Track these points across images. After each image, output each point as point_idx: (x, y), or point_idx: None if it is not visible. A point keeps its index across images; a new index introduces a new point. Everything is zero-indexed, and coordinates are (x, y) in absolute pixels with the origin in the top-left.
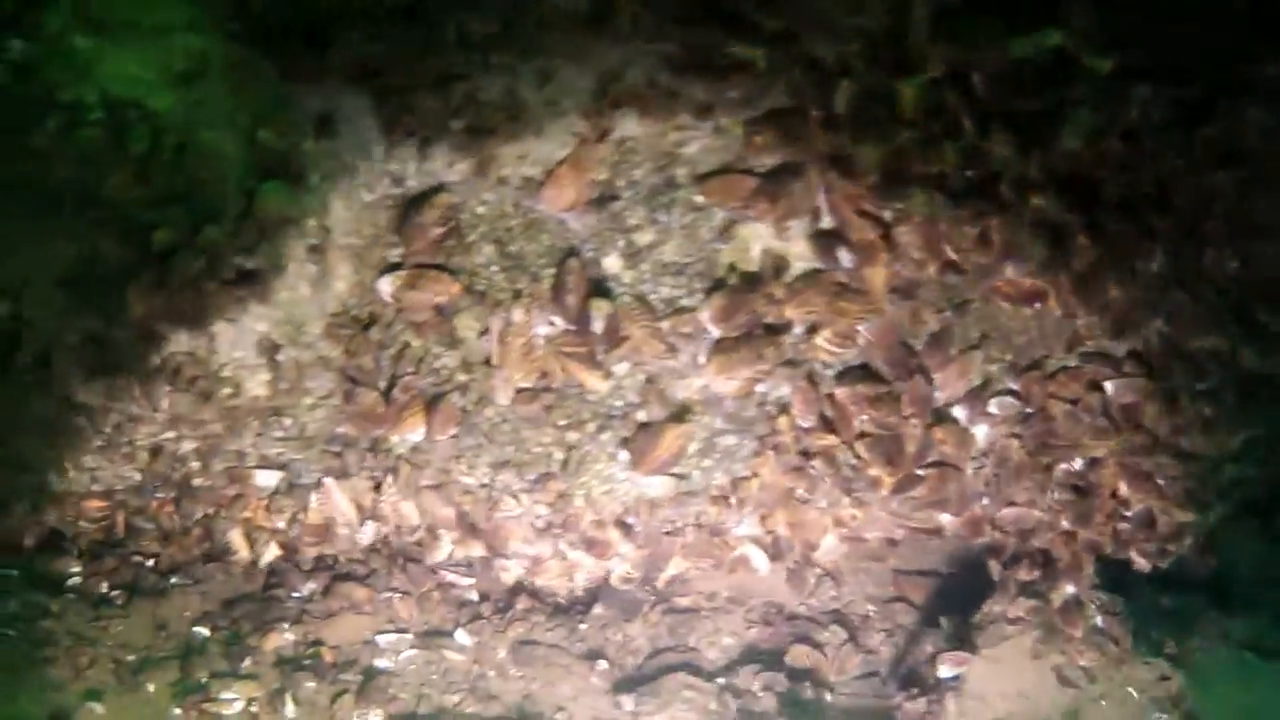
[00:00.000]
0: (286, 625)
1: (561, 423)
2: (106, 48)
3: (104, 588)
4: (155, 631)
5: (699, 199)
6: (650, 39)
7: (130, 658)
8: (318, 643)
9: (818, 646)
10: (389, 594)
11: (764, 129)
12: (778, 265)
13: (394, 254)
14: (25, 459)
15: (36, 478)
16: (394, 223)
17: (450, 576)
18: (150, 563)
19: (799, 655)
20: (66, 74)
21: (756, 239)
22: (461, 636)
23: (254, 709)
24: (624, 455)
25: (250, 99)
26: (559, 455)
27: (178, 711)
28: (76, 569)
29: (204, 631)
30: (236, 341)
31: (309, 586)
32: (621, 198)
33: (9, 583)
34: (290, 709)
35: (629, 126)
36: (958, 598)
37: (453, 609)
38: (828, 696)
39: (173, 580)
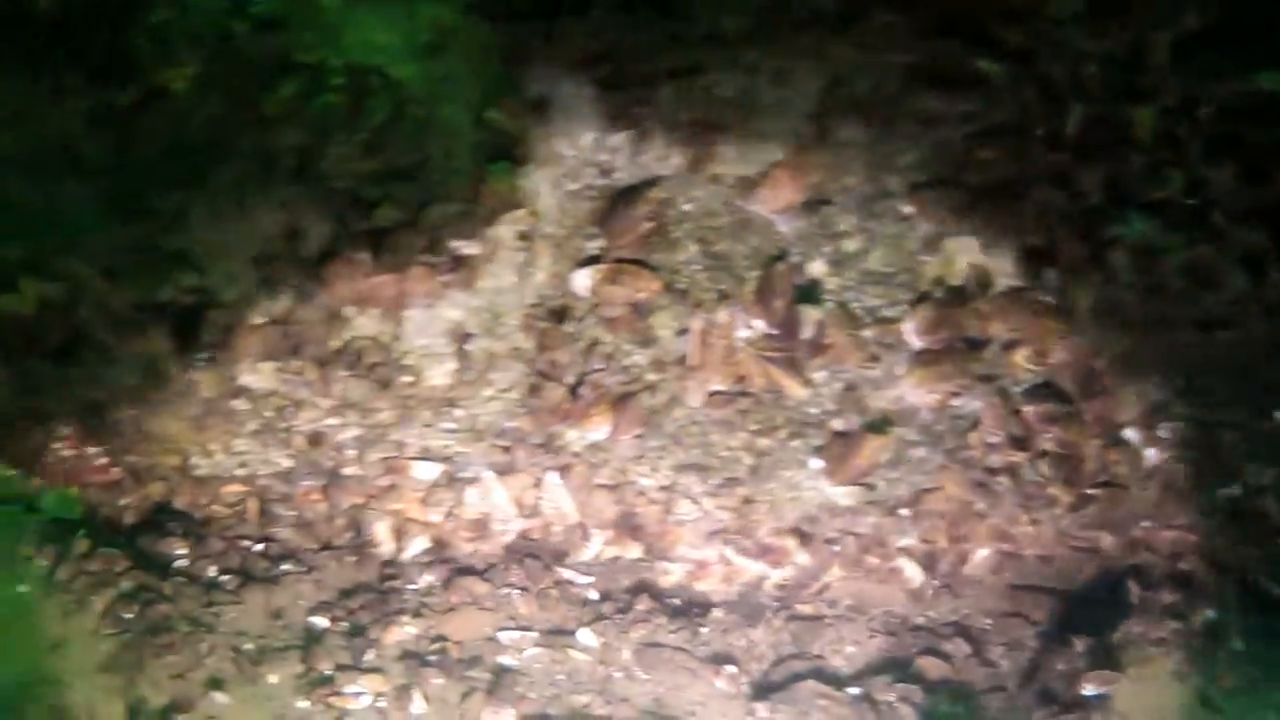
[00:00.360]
0: (407, 618)
1: (754, 428)
2: (353, 10)
3: (212, 572)
4: (271, 619)
5: (908, 209)
6: (893, 47)
7: (248, 646)
8: (442, 638)
9: (945, 658)
10: (507, 589)
11: (986, 144)
12: (983, 280)
13: (591, 247)
14: (175, 439)
15: (181, 459)
16: (595, 214)
17: (569, 574)
18: (259, 547)
19: (929, 666)
20: (310, 35)
21: (963, 253)
22: (585, 636)
23: (381, 704)
24: (816, 463)
25: (483, 77)
26: (748, 461)
27: (304, 704)
28: (182, 551)
29: (322, 621)
30: (425, 328)
31: (426, 579)
32: (833, 203)
33: (116, 561)
34: (419, 705)
35: (850, 132)
36: (1077, 615)
37: (574, 608)
38: (961, 709)
39: (284, 567)
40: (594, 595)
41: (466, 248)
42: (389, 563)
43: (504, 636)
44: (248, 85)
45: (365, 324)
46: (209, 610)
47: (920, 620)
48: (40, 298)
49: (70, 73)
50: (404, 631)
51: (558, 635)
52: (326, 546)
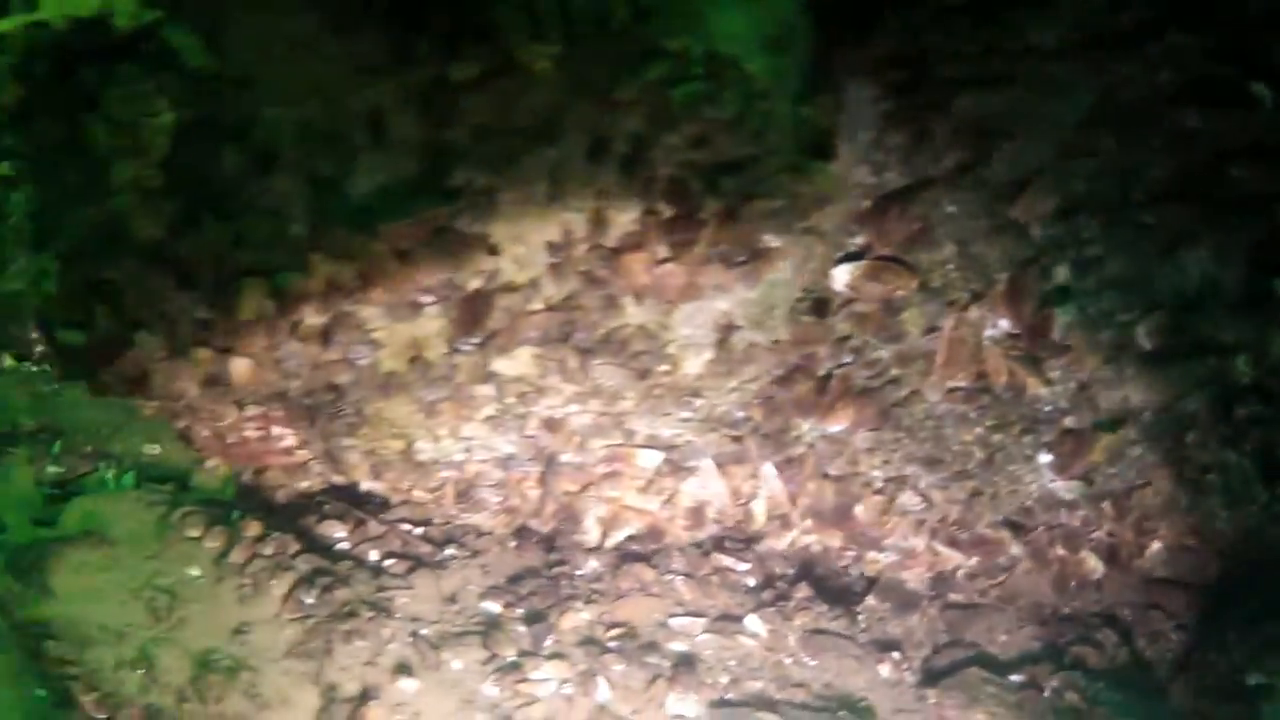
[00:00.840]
0: (580, 604)
1: (989, 423)
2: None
3: (374, 555)
4: (444, 604)
5: (1149, 219)
6: (1174, 65)
7: (426, 632)
8: (617, 624)
9: (1098, 647)
10: (669, 575)
11: (1237, 161)
12: (1215, 288)
13: (852, 243)
14: (404, 424)
15: (404, 444)
16: (860, 212)
17: (728, 561)
18: (419, 531)
19: (1086, 655)
20: (680, 21)
21: (1197, 263)
22: (753, 623)
23: (567, 690)
24: (1045, 458)
25: (805, 72)
26: (979, 454)
27: (493, 690)
28: (342, 534)
29: (495, 607)
30: (693, 318)
31: (591, 564)
32: (1082, 210)
33: (289, 544)
34: (604, 691)
35: (1109, 143)
36: (1223, 609)
37: (735, 594)
38: (1121, 696)
39: (448, 551)
40: (752, 582)
41: (773, 242)
42: (553, 547)
43: (675, 623)
44: (610, 69)
45: (637, 312)
46: (381, 595)
47: (1066, 610)
48: (329, 278)
49: (418, 43)
50: (579, 618)
51: (726, 621)
52: (518, 532)
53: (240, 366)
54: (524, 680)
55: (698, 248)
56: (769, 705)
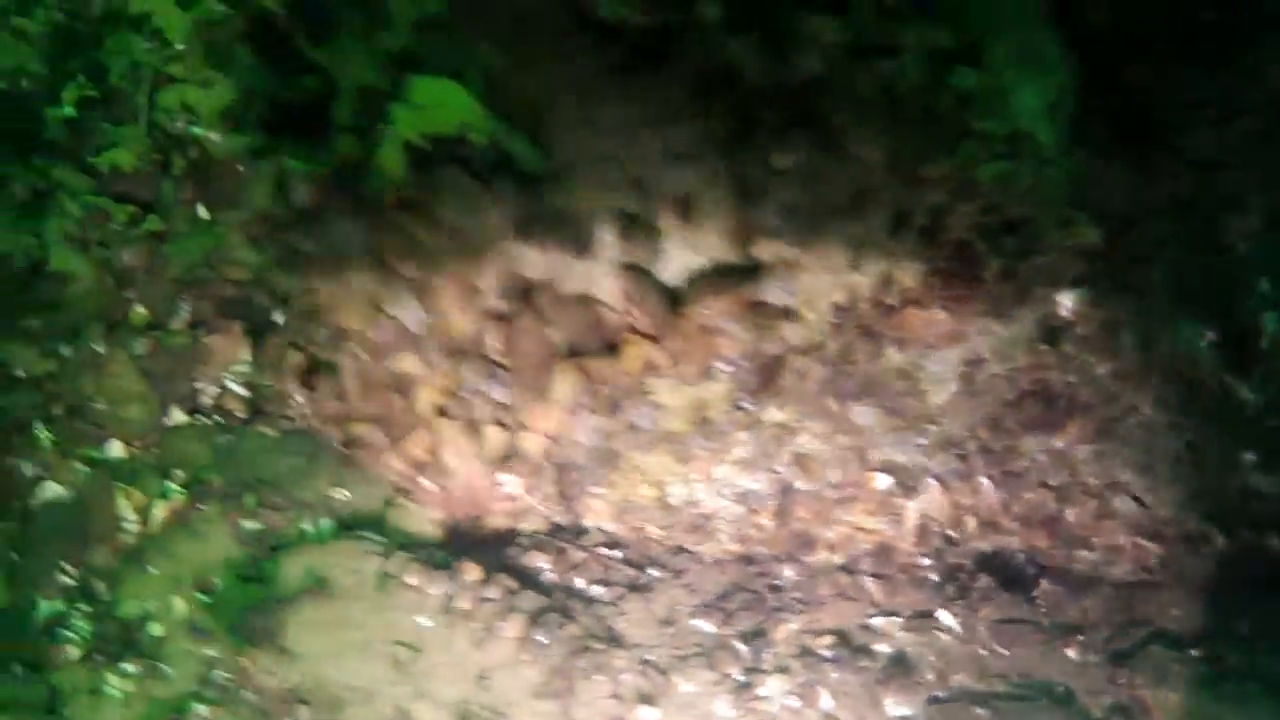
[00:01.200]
0: (788, 615)
1: (1198, 427)
2: (1017, 77)
3: (580, 583)
4: (660, 628)
5: None
6: None
7: (650, 657)
8: (825, 630)
9: (1275, 620)
10: (857, 576)
11: None
12: None
13: (1073, 270)
14: (657, 471)
15: (657, 491)
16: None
17: (910, 559)
18: (619, 554)
19: (1263, 628)
20: (990, 104)
21: None
22: (945, 617)
23: (793, 703)
24: (1249, 457)
25: (1068, 128)
26: (1189, 458)
27: (730, 711)
28: (546, 564)
29: (709, 626)
30: (944, 356)
31: (787, 573)
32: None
33: (511, 584)
34: (827, 700)
35: None
36: None
37: (922, 591)
38: None
39: (651, 573)
40: (935, 577)
41: (1039, 292)
42: (750, 561)
43: (875, 623)
44: (922, 150)
45: (898, 357)
46: (601, 624)
47: (1232, 582)
48: (643, 359)
49: (751, 132)
50: (789, 628)
51: (920, 619)
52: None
53: (533, 443)
54: (755, 697)
55: (975, 303)
56: (979, 700)
